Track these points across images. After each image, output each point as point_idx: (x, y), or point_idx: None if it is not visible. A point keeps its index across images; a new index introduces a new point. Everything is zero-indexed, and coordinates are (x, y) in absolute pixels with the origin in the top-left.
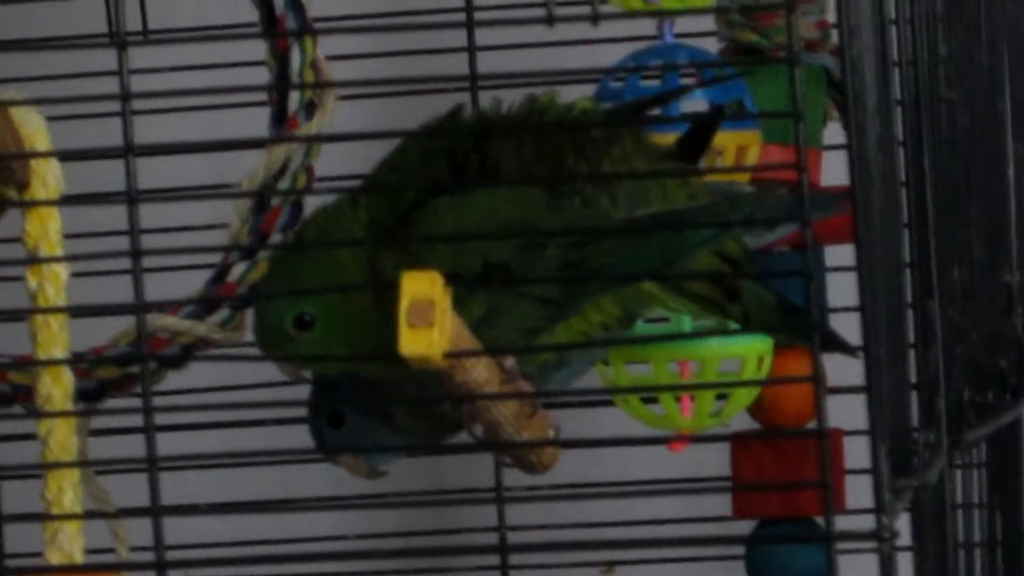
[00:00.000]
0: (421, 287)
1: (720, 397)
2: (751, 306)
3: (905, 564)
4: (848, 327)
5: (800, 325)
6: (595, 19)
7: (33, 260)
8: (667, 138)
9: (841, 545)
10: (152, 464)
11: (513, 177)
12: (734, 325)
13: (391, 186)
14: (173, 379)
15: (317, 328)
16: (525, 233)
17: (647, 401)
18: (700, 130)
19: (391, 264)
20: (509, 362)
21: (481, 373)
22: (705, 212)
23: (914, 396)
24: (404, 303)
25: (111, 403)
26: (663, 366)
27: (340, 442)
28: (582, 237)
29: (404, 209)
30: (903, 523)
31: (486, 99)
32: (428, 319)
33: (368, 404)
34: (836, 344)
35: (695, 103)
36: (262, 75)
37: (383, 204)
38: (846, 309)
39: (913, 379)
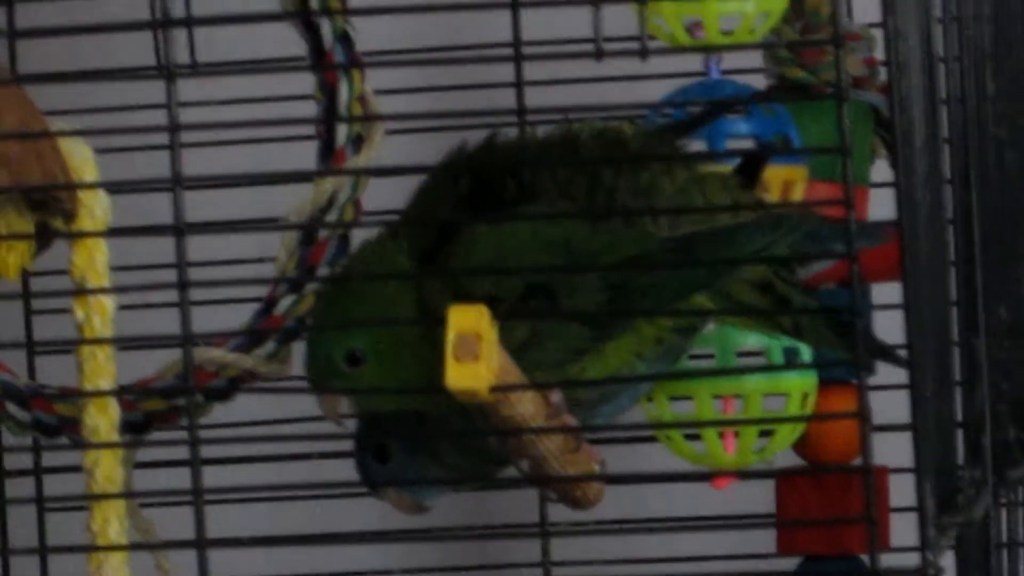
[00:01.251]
0: (468, 320)
1: (764, 434)
2: (801, 317)
3: None
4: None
5: (850, 335)
6: (644, 54)
7: (80, 291)
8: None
9: None
10: (197, 496)
11: (552, 198)
12: (786, 340)
13: (431, 216)
14: (219, 412)
15: (369, 364)
16: (570, 266)
17: (690, 438)
18: (749, 165)
19: (435, 293)
20: (556, 396)
21: (527, 407)
22: (749, 230)
23: (959, 434)
24: (451, 336)
25: (157, 435)
26: (707, 402)
27: (385, 476)
28: (627, 258)
29: (440, 237)
30: (947, 561)
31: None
32: (475, 352)
33: (414, 439)
34: (885, 353)
35: (741, 141)
36: (310, 108)
37: (421, 234)
38: (895, 346)
39: (959, 417)
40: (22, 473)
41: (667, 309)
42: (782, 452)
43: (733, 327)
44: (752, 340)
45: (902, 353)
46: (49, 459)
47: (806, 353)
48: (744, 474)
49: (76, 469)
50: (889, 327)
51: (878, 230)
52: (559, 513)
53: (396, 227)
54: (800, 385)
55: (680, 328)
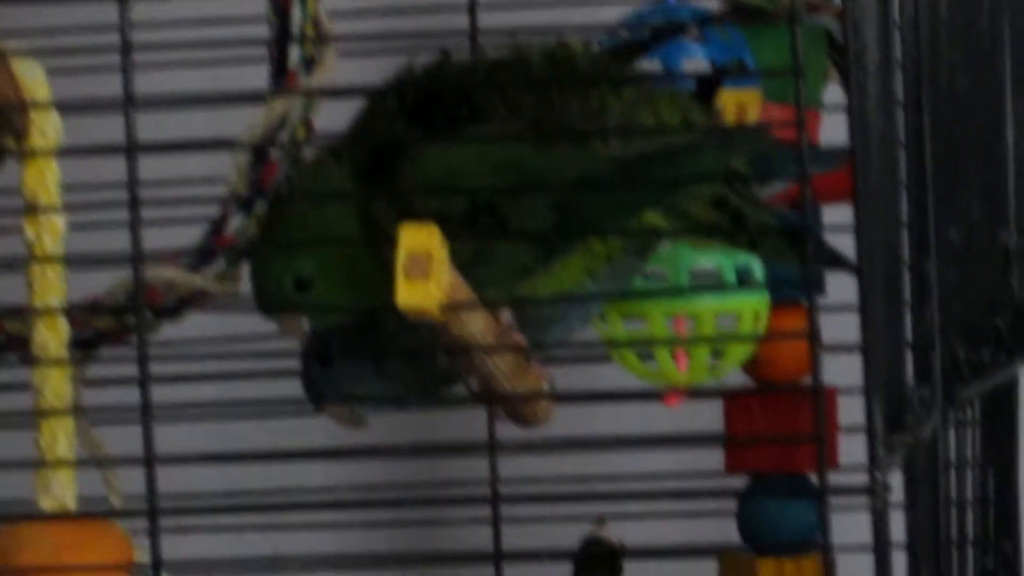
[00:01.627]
0: (418, 240)
1: (716, 353)
2: (757, 231)
3: (897, 522)
4: (845, 285)
5: (806, 246)
6: None
7: (31, 210)
8: None
9: (834, 501)
10: (146, 412)
11: (502, 119)
12: (739, 259)
13: (376, 135)
14: (168, 330)
15: (317, 286)
16: (522, 185)
17: (643, 357)
18: (703, 89)
19: (381, 212)
20: (505, 315)
21: (477, 325)
22: (699, 148)
23: (909, 354)
24: (401, 255)
25: (106, 353)
26: (659, 322)
27: (329, 383)
28: (575, 178)
29: (384, 156)
30: (896, 481)
31: None
32: (425, 271)
33: (360, 350)
34: (837, 261)
35: (696, 63)
36: (263, 30)
37: (365, 154)
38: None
39: (909, 337)
40: None
41: (615, 228)
42: (732, 371)
43: (688, 244)
44: (705, 259)
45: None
46: None
47: (759, 272)
48: (695, 392)
49: (24, 387)
50: (840, 248)
51: (831, 156)
52: (507, 431)
53: (337, 147)
54: (752, 305)
55: (633, 247)
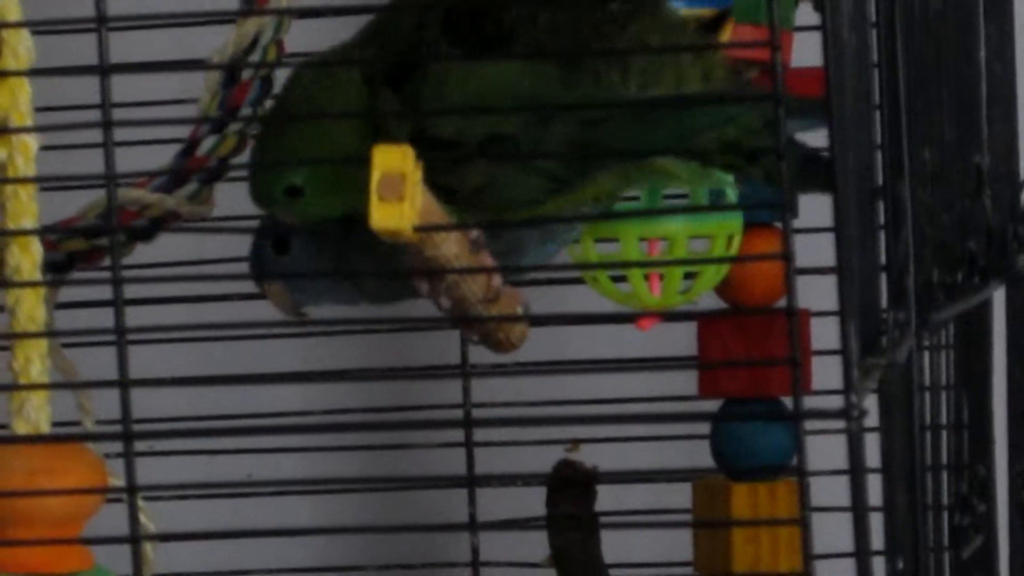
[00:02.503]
0: (392, 161)
1: (689, 276)
2: (772, 164)
3: (871, 446)
4: (820, 207)
5: (823, 174)
6: None
7: (3, 130)
8: None
9: (808, 425)
10: (120, 335)
11: (528, 48)
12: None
13: (397, 44)
14: (140, 252)
15: (307, 194)
16: (535, 107)
17: (616, 279)
18: (711, 24)
19: (392, 122)
20: (474, 234)
21: (451, 248)
22: (713, 96)
23: (883, 277)
24: (375, 176)
25: (79, 275)
26: (632, 244)
27: (279, 268)
28: (591, 115)
29: (404, 67)
30: (870, 404)
31: None
32: (399, 193)
33: (322, 252)
34: (818, 160)
35: None
36: None
37: (379, 61)
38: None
39: (883, 260)
40: None
41: (625, 169)
42: (705, 294)
43: (658, 192)
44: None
45: (828, 200)
46: None
47: (732, 195)
48: (668, 316)
49: None
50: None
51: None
52: (480, 354)
53: (347, 50)
54: (725, 227)
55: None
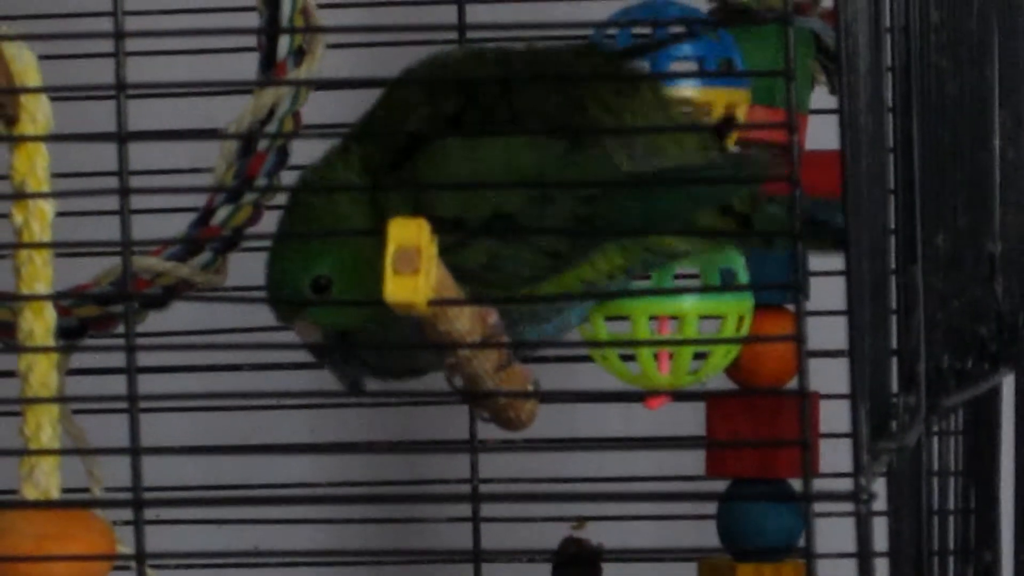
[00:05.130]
0: (408, 233)
1: (699, 356)
2: (770, 226)
3: (879, 530)
4: (833, 291)
5: (824, 231)
6: None
7: (19, 196)
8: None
9: (816, 507)
10: (133, 402)
11: (536, 126)
12: (722, 262)
13: (400, 131)
14: (152, 321)
15: (335, 288)
16: (536, 185)
17: (625, 358)
18: (719, 129)
19: (396, 206)
20: (493, 317)
21: (464, 323)
22: (713, 169)
23: (894, 362)
24: (391, 249)
25: (92, 342)
26: (642, 323)
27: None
28: (594, 191)
29: (400, 150)
30: (879, 489)
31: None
32: (414, 266)
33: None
34: (827, 228)
35: (686, 64)
36: (253, 20)
37: (376, 149)
38: (831, 273)
39: (894, 344)
40: None
41: (637, 233)
42: (714, 375)
43: (664, 272)
44: (688, 262)
45: (840, 284)
46: None
47: (743, 275)
48: (678, 395)
49: (6, 374)
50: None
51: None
52: (488, 430)
53: (347, 142)
54: (736, 307)
55: (630, 267)
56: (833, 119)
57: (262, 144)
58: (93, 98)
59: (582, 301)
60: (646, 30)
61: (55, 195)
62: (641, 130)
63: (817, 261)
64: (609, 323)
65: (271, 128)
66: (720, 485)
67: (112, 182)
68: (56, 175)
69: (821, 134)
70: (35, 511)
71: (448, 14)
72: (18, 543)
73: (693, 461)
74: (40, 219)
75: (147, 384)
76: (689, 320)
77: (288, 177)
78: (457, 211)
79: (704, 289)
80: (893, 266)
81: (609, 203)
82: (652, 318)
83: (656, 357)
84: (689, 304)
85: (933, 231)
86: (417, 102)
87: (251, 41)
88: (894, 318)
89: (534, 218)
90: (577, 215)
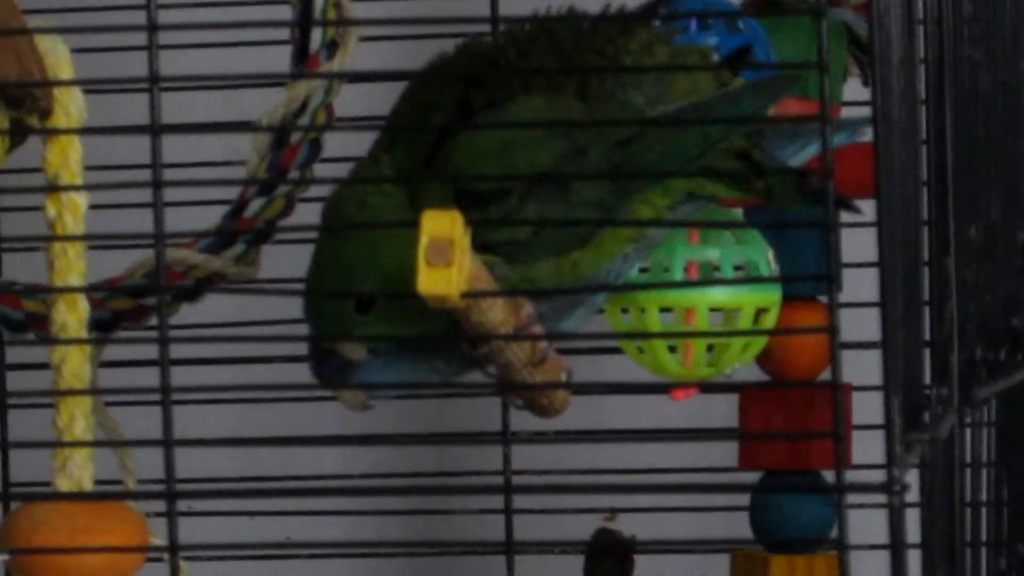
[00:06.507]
0: (440, 226)
1: (712, 348)
2: (774, 181)
3: (911, 522)
4: (865, 282)
5: (816, 193)
6: None
7: (53, 188)
8: None
9: (848, 499)
10: (166, 394)
11: (543, 91)
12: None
13: (425, 123)
14: (185, 312)
15: (378, 303)
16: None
17: (641, 349)
18: (732, 65)
19: (437, 198)
20: (526, 309)
21: (497, 314)
22: (737, 99)
23: (926, 353)
24: (423, 241)
25: (125, 334)
26: (654, 314)
27: (368, 372)
28: (624, 136)
29: (432, 143)
30: (911, 480)
31: None
32: (447, 258)
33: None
34: (845, 204)
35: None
36: (286, 12)
37: (408, 148)
38: (863, 265)
39: (926, 336)
40: None
41: (665, 184)
42: (737, 366)
43: (714, 193)
44: (704, 253)
45: (872, 275)
46: (14, 355)
47: (766, 268)
48: (710, 387)
49: (40, 366)
50: (861, 245)
51: (856, 123)
52: (520, 421)
53: (377, 150)
54: (754, 300)
55: (672, 206)
56: (866, 111)
57: (295, 137)
58: (126, 91)
59: (607, 292)
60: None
61: (89, 188)
62: (646, 68)
63: (850, 252)
64: (645, 315)
65: (304, 121)
66: (752, 476)
67: (144, 174)
68: (89, 168)
69: None
70: (69, 503)
71: (482, 7)
72: (52, 535)
73: (725, 452)
74: (73, 212)
75: (179, 376)
76: (700, 312)
77: (321, 169)
78: (495, 182)
79: (717, 281)
80: (926, 258)
81: (641, 145)
82: (665, 310)
83: (676, 349)
84: (699, 296)
85: (966, 223)
86: (435, 97)
87: (284, 34)
88: (927, 309)
89: (571, 172)
90: (612, 162)
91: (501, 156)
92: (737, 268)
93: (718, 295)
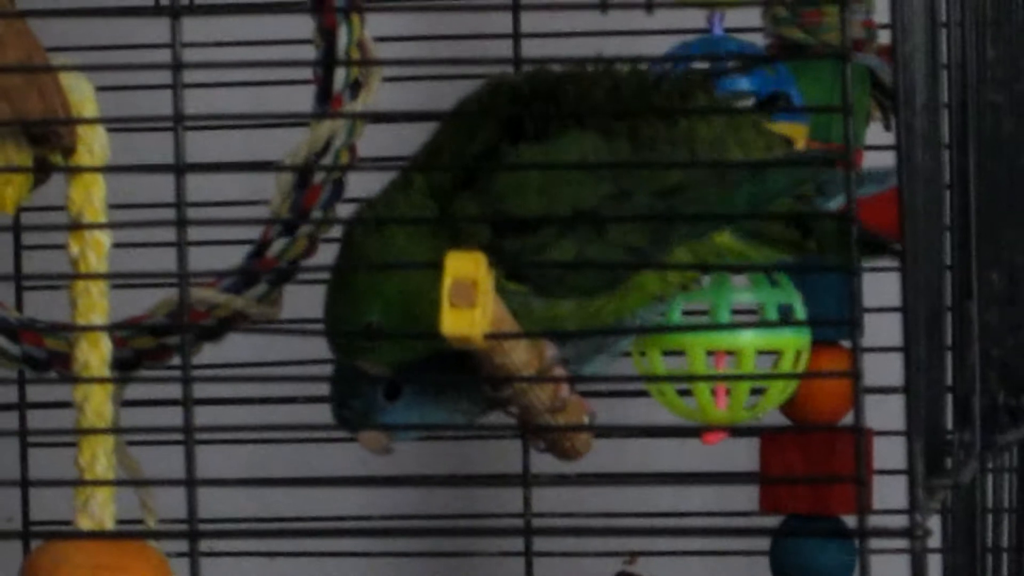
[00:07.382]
0: (464, 267)
1: (755, 391)
2: (824, 236)
3: (934, 567)
4: (888, 327)
5: (872, 244)
6: (649, 7)
7: (76, 226)
8: None
9: (871, 544)
10: (188, 434)
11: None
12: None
13: (464, 151)
14: (206, 352)
15: (386, 328)
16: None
17: (682, 393)
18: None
19: (471, 220)
20: (550, 351)
21: (520, 356)
22: (786, 160)
23: (948, 398)
24: (447, 282)
25: (148, 374)
26: (699, 357)
27: (392, 415)
28: (672, 184)
29: (470, 167)
30: (933, 526)
31: None
32: (471, 299)
33: (424, 382)
34: (880, 247)
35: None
36: (309, 52)
37: (443, 175)
38: (886, 309)
39: (949, 381)
40: (5, 407)
41: (697, 244)
42: (771, 410)
43: (721, 304)
44: (747, 296)
45: (895, 319)
46: (36, 393)
47: (800, 311)
48: (734, 431)
49: (61, 405)
50: (883, 290)
51: (882, 176)
52: (541, 463)
53: (407, 174)
54: (794, 343)
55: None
56: (889, 155)
57: (318, 176)
58: (150, 130)
59: (638, 335)
60: (703, 65)
61: (112, 226)
62: (689, 112)
63: (872, 297)
64: (665, 357)
65: (327, 161)
66: (773, 521)
67: (168, 213)
68: (112, 206)
69: None
70: (90, 542)
71: (504, 48)
72: (73, 573)
73: (745, 496)
74: (96, 250)
75: (201, 416)
76: (746, 355)
77: (344, 210)
78: (539, 210)
79: (762, 324)
80: (949, 302)
81: (686, 196)
82: (709, 352)
83: (713, 392)
84: (747, 339)
85: (989, 267)
86: (480, 123)
87: (307, 73)
88: (949, 354)
89: (613, 214)
90: (654, 210)
91: (544, 188)
92: (781, 312)
93: (766, 338)
